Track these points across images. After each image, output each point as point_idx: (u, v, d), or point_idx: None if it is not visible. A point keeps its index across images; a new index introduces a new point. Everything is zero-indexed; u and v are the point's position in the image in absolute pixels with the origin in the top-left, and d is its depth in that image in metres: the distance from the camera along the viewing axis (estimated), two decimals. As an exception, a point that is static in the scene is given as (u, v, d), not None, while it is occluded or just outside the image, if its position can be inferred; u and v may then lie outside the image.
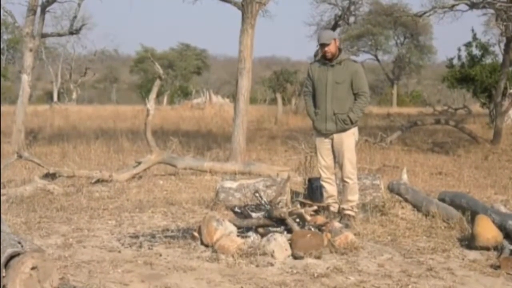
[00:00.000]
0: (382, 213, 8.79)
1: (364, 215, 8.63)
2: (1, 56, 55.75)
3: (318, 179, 9.17)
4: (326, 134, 8.28)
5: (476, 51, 28.03)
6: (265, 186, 9.24)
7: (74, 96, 58.00)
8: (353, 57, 8.98)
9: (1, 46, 55.30)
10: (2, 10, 19.37)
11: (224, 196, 9.32)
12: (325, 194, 8.46)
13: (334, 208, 8.39)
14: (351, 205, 8.31)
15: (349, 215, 8.26)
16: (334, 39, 8.16)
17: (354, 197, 8.34)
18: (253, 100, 34.76)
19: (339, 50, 8.24)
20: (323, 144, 8.35)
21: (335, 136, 8.23)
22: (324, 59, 8.28)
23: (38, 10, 18.34)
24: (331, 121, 8.18)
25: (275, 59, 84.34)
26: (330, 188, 8.43)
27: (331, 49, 8.12)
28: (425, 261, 6.76)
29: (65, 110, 36.36)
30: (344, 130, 8.20)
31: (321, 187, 8.52)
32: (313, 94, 8.39)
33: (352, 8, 32.30)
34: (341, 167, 8.32)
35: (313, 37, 39.02)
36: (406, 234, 7.88)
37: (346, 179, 8.28)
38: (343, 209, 8.32)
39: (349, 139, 8.26)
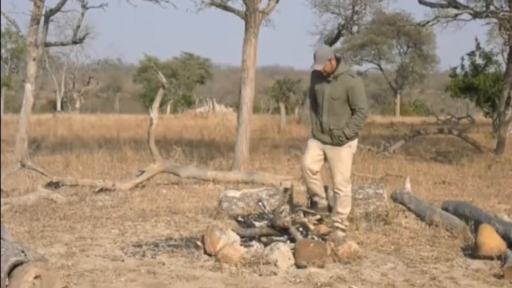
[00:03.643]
0: (386, 222, 8.79)
1: (367, 224, 8.63)
2: (5, 65, 55.94)
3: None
4: (322, 142, 8.06)
5: (479, 61, 28.02)
6: (268, 195, 9.22)
7: (77, 105, 58.06)
8: (354, 69, 8.57)
9: (5, 56, 55.52)
10: (5, 19, 19.41)
11: (227, 205, 9.31)
12: (310, 193, 8.14)
13: (322, 204, 8.07)
14: (340, 218, 7.99)
15: (339, 229, 7.92)
16: (329, 60, 7.75)
17: (345, 210, 8.02)
18: (256, 109, 34.77)
19: (338, 61, 7.86)
20: (316, 147, 8.01)
21: (331, 147, 7.94)
22: None
23: (42, 19, 18.36)
24: (328, 134, 7.91)
25: (278, 69, 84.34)
26: (315, 187, 8.07)
27: (326, 69, 7.77)
28: (428, 271, 6.76)
29: (69, 119, 36.38)
30: (339, 144, 7.91)
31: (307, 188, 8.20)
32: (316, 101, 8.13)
33: (355, 17, 32.37)
34: (333, 177, 8.00)
35: (316, 46, 39.12)
36: (409, 244, 7.88)
37: (336, 190, 7.96)
38: (333, 221, 8.02)
39: (344, 151, 7.93)
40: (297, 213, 7.72)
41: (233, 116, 31.40)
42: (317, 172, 8.06)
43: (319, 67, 7.77)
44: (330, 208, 8.06)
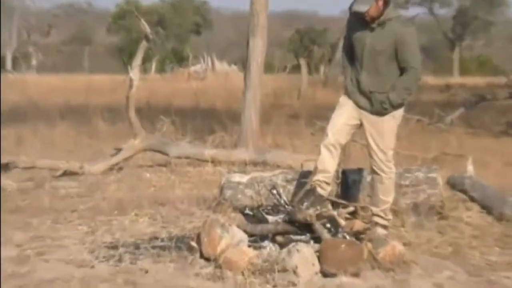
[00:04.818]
0: (441, 217, 8.79)
1: (417, 219, 8.61)
2: None
3: (355, 171, 9.12)
4: (359, 105, 7.88)
5: None
6: (285, 181, 9.20)
7: (33, 62, 58.34)
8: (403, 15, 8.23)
9: None
10: None
11: (231, 194, 9.30)
12: (318, 165, 7.82)
13: (323, 190, 7.82)
14: (383, 209, 7.95)
15: (379, 225, 7.91)
16: (376, 0, 7.49)
17: (388, 197, 7.97)
18: (269, 68, 34.78)
19: (386, 3, 7.60)
20: (351, 109, 7.86)
21: (369, 116, 7.82)
22: None
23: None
24: (366, 98, 7.77)
25: (299, 14, 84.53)
26: (328, 159, 7.81)
27: (371, 12, 7.55)
28: (497, 280, 6.74)
29: (22, 81, 36.47)
30: (381, 114, 7.78)
31: (319, 152, 7.89)
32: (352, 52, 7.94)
33: None
34: (371, 155, 7.91)
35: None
36: (472, 245, 7.88)
37: (378, 171, 7.88)
38: (372, 214, 8.02)
39: (387, 123, 7.81)
40: (323, 203, 7.67)
41: (238, 77, 31.39)
42: (341, 145, 7.90)
43: (362, 9, 7.55)
44: (332, 203, 7.85)
